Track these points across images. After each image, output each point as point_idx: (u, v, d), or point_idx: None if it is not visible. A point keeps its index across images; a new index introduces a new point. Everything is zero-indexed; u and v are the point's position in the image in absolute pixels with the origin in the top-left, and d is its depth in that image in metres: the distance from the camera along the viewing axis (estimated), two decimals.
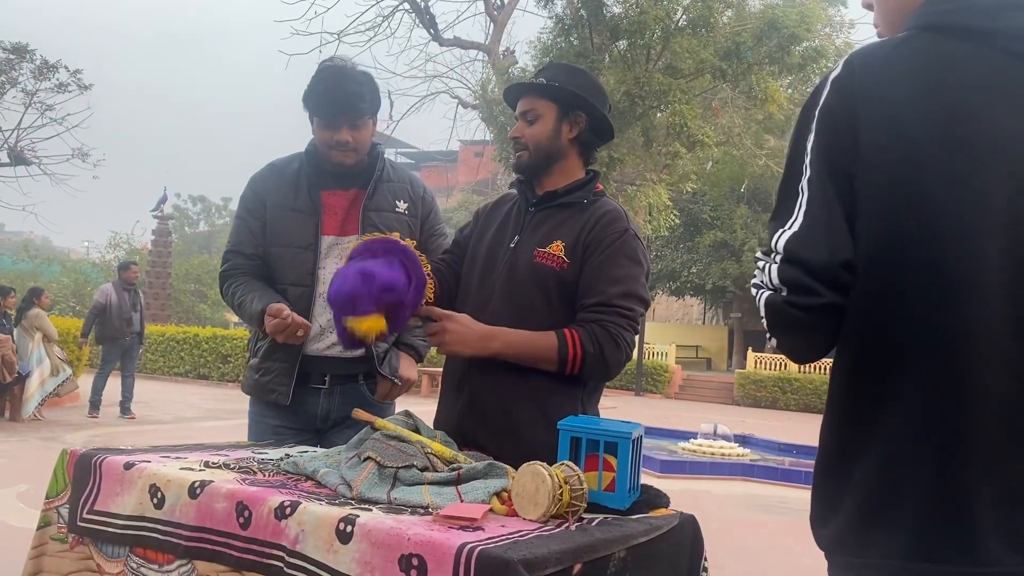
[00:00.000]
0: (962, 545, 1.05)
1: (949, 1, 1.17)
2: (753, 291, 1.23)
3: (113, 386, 10.31)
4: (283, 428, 2.38)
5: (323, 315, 2.34)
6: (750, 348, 24.74)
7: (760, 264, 1.21)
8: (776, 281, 1.16)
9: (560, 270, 1.92)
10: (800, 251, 1.13)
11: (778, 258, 1.16)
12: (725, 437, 10.42)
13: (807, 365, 13.28)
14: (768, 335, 1.21)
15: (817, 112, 1.17)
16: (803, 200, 1.15)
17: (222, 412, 11.88)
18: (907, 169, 1.10)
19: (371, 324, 1.81)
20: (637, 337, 1.97)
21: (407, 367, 2.50)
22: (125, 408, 10.31)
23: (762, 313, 1.19)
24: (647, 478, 1.74)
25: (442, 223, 2.59)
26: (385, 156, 2.49)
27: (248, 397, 2.46)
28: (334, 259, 2.36)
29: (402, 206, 2.44)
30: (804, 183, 1.16)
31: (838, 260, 1.12)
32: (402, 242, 1.94)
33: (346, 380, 2.40)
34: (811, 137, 1.17)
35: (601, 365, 1.86)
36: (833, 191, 1.14)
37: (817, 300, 1.12)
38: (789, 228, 1.16)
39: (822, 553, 1.20)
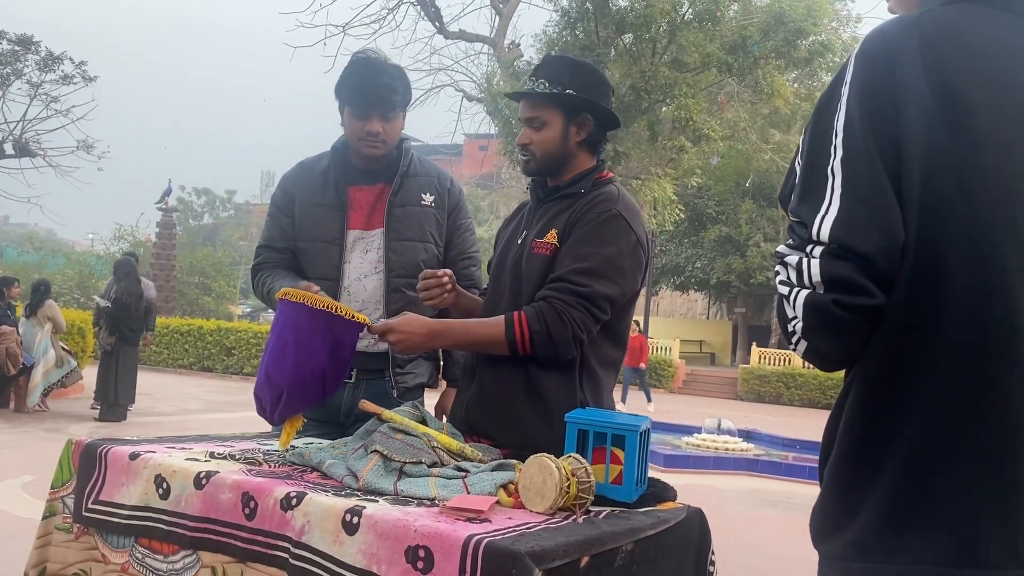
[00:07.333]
0: (1013, 547, 0.97)
1: None
2: (783, 289, 1.07)
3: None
4: (306, 419, 2.37)
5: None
6: (754, 343, 24.72)
7: (790, 259, 1.07)
8: (817, 278, 1.02)
9: (550, 255, 1.92)
10: (850, 239, 1.01)
11: (817, 251, 1.03)
12: (729, 432, 10.42)
13: None
14: (795, 338, 1.07)
15: (846, 89, 1.07)
16: (836, 183, 1.04)
17: (226, 404, 11.89)
18: (950, 136, 1.01)
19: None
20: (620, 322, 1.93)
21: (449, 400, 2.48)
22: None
23: (795, 313, 1.05)
24: (651, 472, 1.73)
25: (468, 218, 2.56)
26: (412, 150, 2.46)
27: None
28: (359, 253, 2.36)
29: (428, 199, 2.42)
30: (836, 164, 1.04)
31: (894, 242, 1.00)
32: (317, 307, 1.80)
33: (372, 374, 2.38)
34: (840, 117, 1.06)
35: (548, 344, 1.83)
36: (881, 164, 1.02)
37: (869, 301, 1.01)
38: (826, 212, 1.03)
39: None
